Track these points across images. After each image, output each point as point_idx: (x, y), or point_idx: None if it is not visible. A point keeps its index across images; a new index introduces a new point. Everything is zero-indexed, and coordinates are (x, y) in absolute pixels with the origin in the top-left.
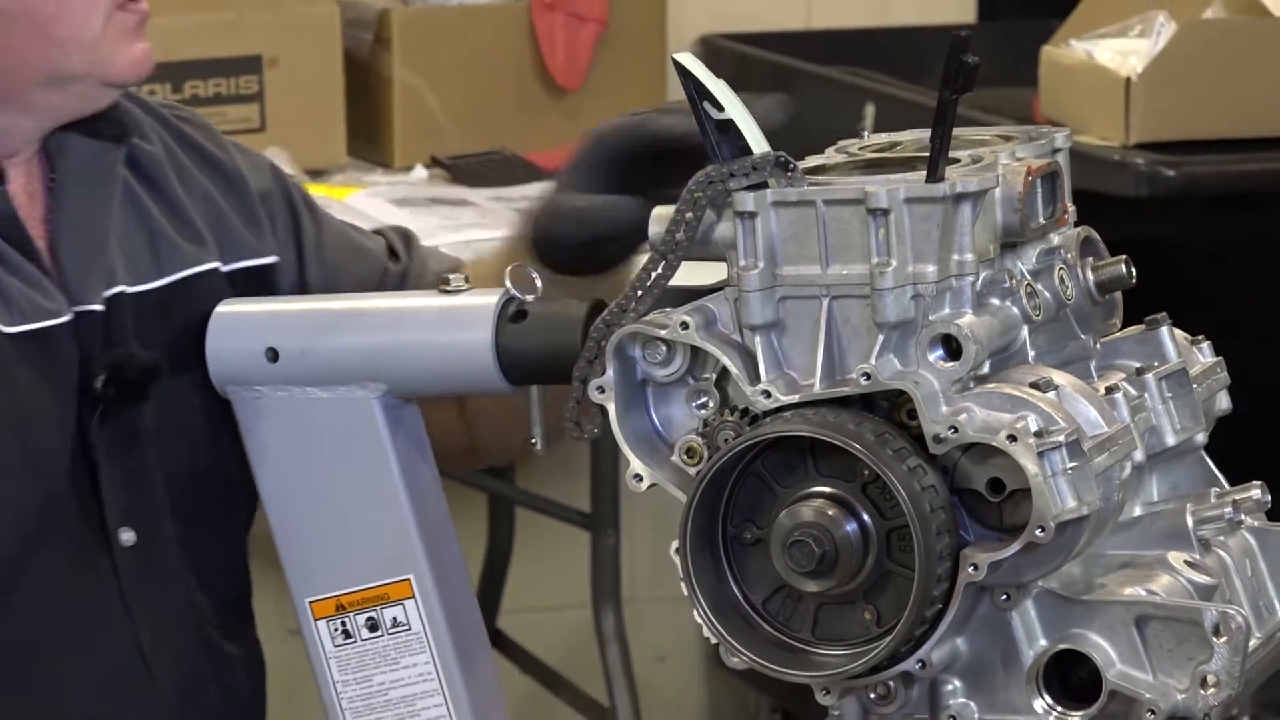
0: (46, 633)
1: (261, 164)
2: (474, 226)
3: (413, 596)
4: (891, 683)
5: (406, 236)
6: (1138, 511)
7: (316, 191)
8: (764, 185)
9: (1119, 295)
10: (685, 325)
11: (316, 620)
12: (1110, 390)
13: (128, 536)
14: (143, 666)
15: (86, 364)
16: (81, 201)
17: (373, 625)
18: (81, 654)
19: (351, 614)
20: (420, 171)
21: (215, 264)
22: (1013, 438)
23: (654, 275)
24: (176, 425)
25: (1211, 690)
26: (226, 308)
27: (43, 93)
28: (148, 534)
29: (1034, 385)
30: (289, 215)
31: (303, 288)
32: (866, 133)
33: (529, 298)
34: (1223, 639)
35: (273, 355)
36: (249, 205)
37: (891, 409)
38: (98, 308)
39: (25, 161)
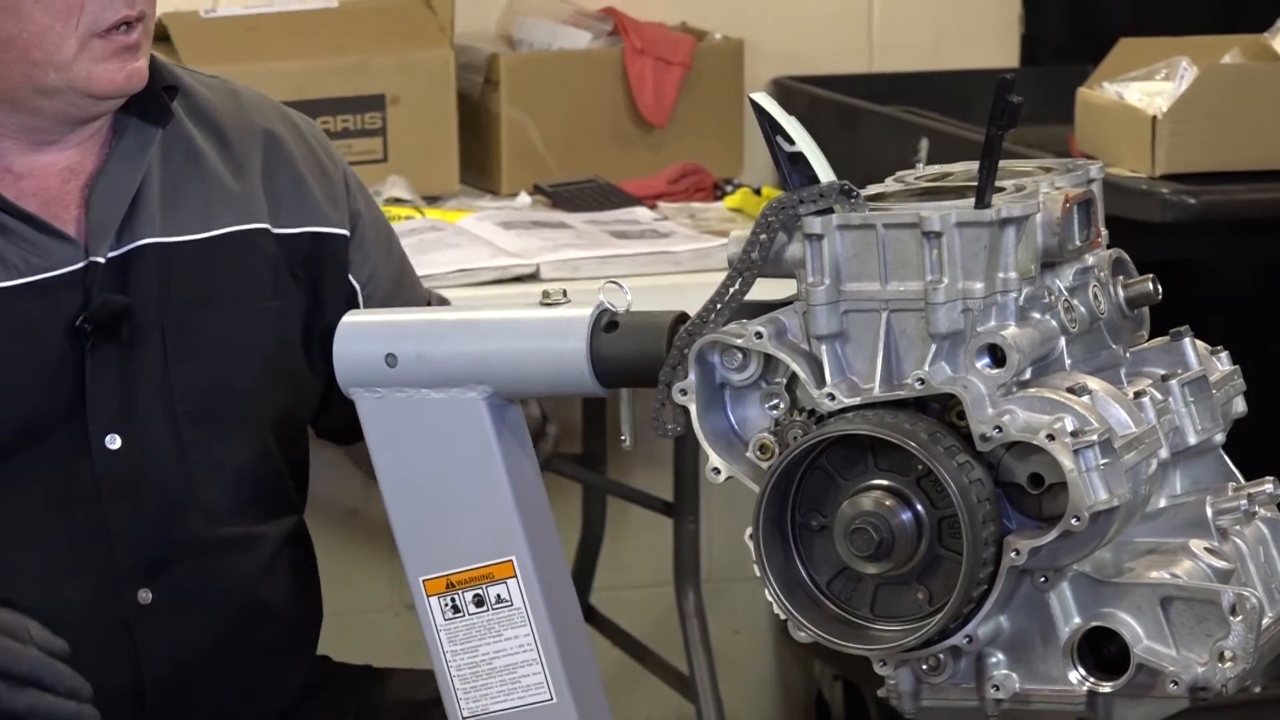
0: (13, 511)
1: (368, 199)
2: (570, 246)
3: (515, 575)
4: (941, 655)
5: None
6: (1162, 503)
7: (432, 215)
8: (830, 210)
9: (1146, 310)
10: (759, 335)
11: (429, 596)
12: (1138, 395)
13: (113, 442)
14: (106, 544)
15: (87, 306)
16: (117, 171)
17: (479, 601)
18: (49, 528)
19: (460, 591)
20: (524, 198)
21: (264, 224)
22: (1051, 437)
23: (731, 290)
24: (203, 350)
25: (1228, 664)
26: (352, 318)
27: (36, 100)
28: (135, 439)
29: (1070, 390)
30: (376, 235)
31: (370, 279)
32: (921, 164)
33: (620, 309)
34: (1239, 618)
35: (392, 360)
36: (334, 193)
37: (943, 410)
38: (104, 258)
39: (81, 141)
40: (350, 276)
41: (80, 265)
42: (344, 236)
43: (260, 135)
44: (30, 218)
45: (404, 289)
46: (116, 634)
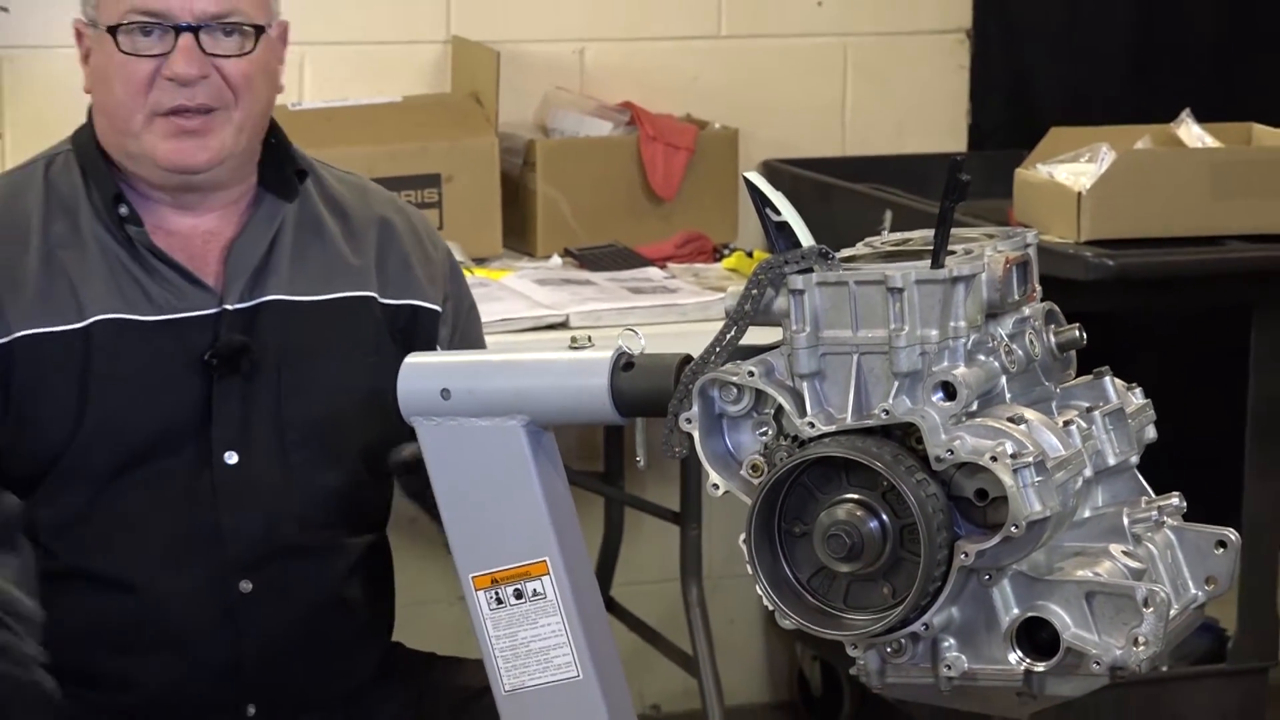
0: (141, 510)
1: (463, 284)
2: (594, 300)
3: (548, 573)
4: (903, 640)
5: None
6: (1086, 514)
7: (480, 274)
8: (810, 270)
9: (1074, 353)
10: (752, 373)
11: (477, 590)
12: (1067, 423)
13: (231, 458)
14: (217, 541)
15: (215, 344)
16: (250, 236)
17: (518, 594)
18: (171, 524)
19: (503, 586)
20: (556, 259)
21: (372, 294)
22: (994, 458)
23: (728, 337)
24: (311, 390)
25: (1142, 648)
26: (413, 359)
27: (129, 162)
28: (249, 457)
29: (1010, 419)
30: (462, 315)
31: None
32: (886, 232)
33: (635, 352)
34: (1150, 609)
35: (446, 394)
36: (434, 275)
37: (904, 436)
38: (234, 307)
39: (222, 208)
40: (436, 345)
41: (214, 310)
42: (437, 312)
43: (377, 222)
44: (177, 265)
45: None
46: (221, 616)
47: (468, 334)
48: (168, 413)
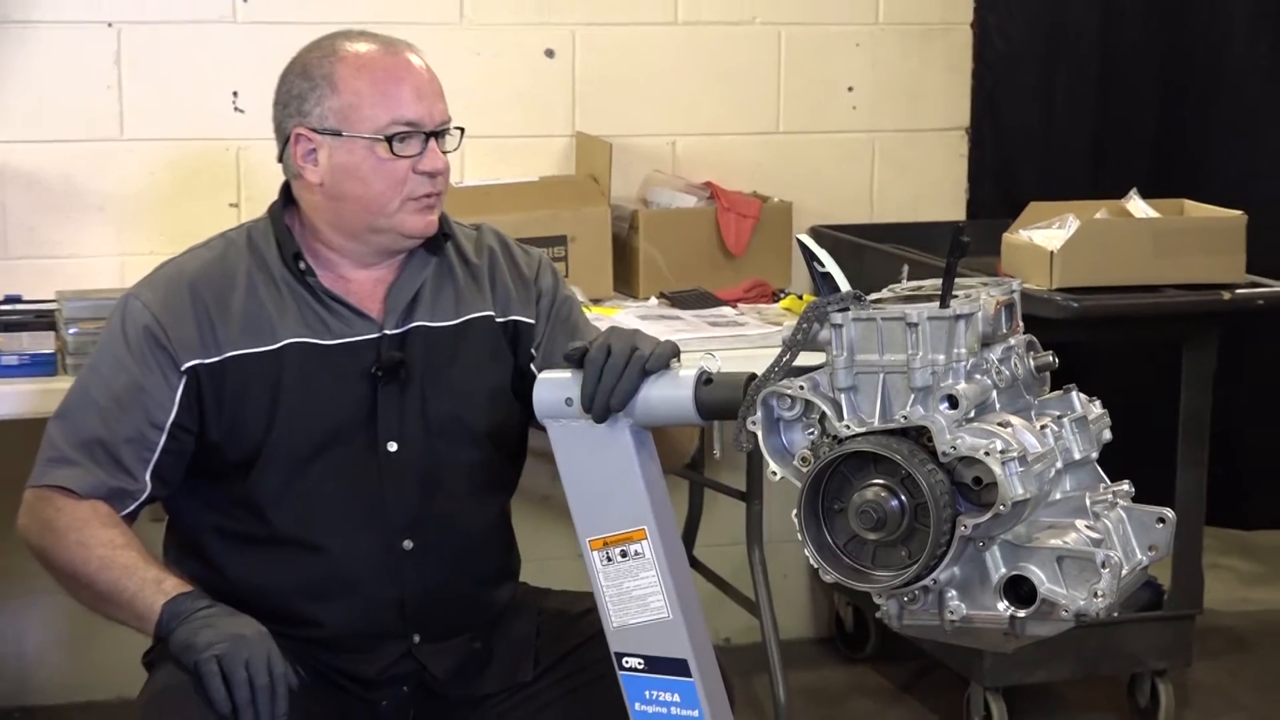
0: (326, 488)
1: (555, 281)
2: (683, 331)
3: (646, 538)
4: (916, 591)
5: None
6: (1057, 496)
7: (596, 311)
8: (847, 309)
9: (1048, 374)
10: (802, 387)
11: (592, 551)
12: (1043, 427)
13: (392, 446)
14: (384, 511)
15: (378, 359)
16: (405, 280)
17: (623, 554)
18: (349, 499)
19: (612, 547)
20: (654, 301)
21: (490, 313)
22: (987, 453)
23: (784, 360)
24: (444, 392)
25: (1100, 599)
26: (544, 375)
27: (368, 235)
28: (405, 445)
29: (999, 424)
30: (548, 309)
31: (543, 340)
32: (904, 281)
33: (714, 371)
34: (1107, 570)
35: (569, 402)
36: (528, 295)
37: (919, 436)
38: (391, 332)
39: (388, 265)
40: (532, 349)
41: (376, 335)
42: (531, 324)
43: (487, 253)
44: (347, 303)
45: (577, 333)
46: (389, 568)
47: (565, 321)
48: (343, 412)
